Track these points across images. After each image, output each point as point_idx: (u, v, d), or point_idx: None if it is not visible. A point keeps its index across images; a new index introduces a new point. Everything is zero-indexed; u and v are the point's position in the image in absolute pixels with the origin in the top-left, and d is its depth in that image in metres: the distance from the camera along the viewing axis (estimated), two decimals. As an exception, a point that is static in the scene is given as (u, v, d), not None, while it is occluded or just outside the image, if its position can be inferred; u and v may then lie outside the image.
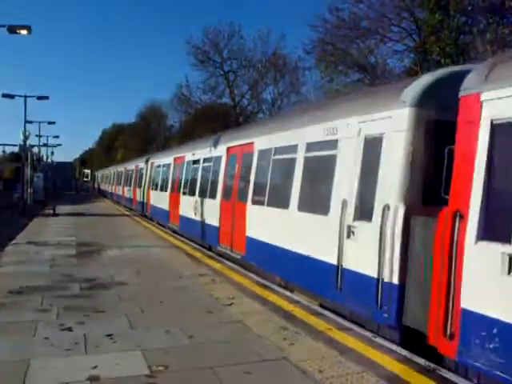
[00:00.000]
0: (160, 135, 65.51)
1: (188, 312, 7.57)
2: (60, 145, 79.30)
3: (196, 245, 15.41)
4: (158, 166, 25.15)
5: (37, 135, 52.28)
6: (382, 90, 8.14)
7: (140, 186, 29.63)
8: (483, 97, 5.26)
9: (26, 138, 34.44)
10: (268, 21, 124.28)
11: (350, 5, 26.82)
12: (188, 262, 12.18)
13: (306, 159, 9.12)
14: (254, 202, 11.40)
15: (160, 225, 22.59)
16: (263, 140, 11.46)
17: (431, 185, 6.26)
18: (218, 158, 14.62)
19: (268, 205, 10.60)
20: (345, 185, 7.58)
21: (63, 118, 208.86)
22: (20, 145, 35.82)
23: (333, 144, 8.15)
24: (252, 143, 12.10)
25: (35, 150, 52.69)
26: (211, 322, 7.04)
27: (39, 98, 36.09)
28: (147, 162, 28.50)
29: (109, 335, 6.33)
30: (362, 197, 7.22)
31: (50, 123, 49.82)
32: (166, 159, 23.60)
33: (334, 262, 7.56)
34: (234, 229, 12.56)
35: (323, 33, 28.64)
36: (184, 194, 18.53)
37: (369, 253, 6.75)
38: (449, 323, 5.35)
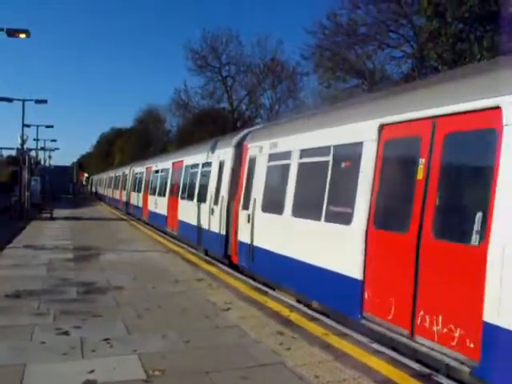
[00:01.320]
0: (158, 140, 65.51)
1: (185, 317, 7.58)
2: (58, 149, 78.76)
3: (192, 249, 15.44)
4: (137, 173, 31.40)
5: (34, 139, 52.24)
6: (227, 138, 15.03)
7: (125, 189, 35.84)
8: (248, 146, 12.08)
9: (23, 141, 34.34)
10: (266, 26, 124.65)
11: (348, 11, 27.01)
12: (185, 267, 12.19)
13: (201, 172, 16.23)
14: (181, 198, 18.53)
15: (140, 220, 27.66)
16: (186, 159, 18.86)
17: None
18: (168, 169, 21.79)
19: (186, 199, 17.69)
20: (212, 186, 14.47)
21: (61, 121, 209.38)
22: (17, 148, 35.65)
23: (210, 164, 15.18)
24: (182, 160, 19.33)
25: (33, 153, 52.58)
26: (208, 327, 7.05)
27: (37, 101, 35.95)
28: (130, 169, 34.57)
29: (105, 339, 6.33)
30: (216, 192, 14.00)
31: (47, 127, 49.75)
32: (141, 168, 29.94)
33: (207, 227, 14.65)
34: (173, 215, 19.48)
35: (321, 39, 28.83)
36: (150, 194, 25.30)
37: (217, 221, 13.66)
38: (236, 248, 12.12)
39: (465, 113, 5.63)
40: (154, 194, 24.27)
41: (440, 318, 5.58)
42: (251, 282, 10.43)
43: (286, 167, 9.70)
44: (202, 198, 15.45)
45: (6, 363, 5.55)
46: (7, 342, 6.25)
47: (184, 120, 53.95)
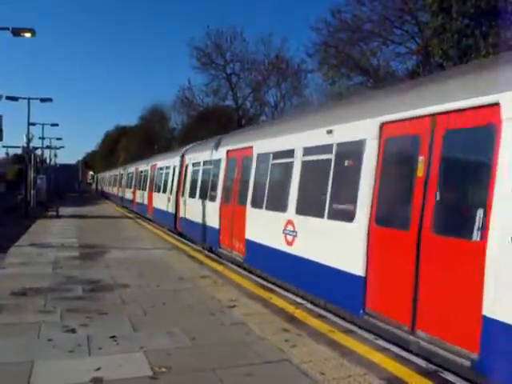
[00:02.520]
0: (162, 138, 65.53)
1: (190, 314, 7.61)
2: (63, 147, 78.87)
3: (197, 247, 15.47)
4: (129, 173, 38.77)
5: (40, 137, 52.39)
6: (179, 150, 22.25)
7: (121, 186, 43.58)
8: (185, 155, 19.64)
9: (29, 140, 34.50)
10: (270, 23, 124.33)
11: (353, 7, 26.88)
12: (190, 264, 12.22)
13: (165, 172, 23.11)
14: (154, 191, 25.71)
15: (131, 211, 34.95)
16: (158, 163, 25.95)
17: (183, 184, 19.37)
18: (147, 170, 29.14)
19: (157, 192, 24.75)
20: (170, 182, 21.59)
21: (67, 120, 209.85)
22: (23, 147, 35.84)
23: (170, 167, 22.00)
24: (156, 164, 26.51)
25: (38, 152, 52.76)
26: (213, 324, 7.07)
27: (43, 100, 36.06)
28: (124, 170, 42.64)
29: (112, 337, 6.37)
30: (171, 186, 21.19)
31: (53, 125, 49.92)
32: (132, 169, 37.49)
33: (166, 209, 21.71)
34: (151, 204, 26.71)
35: (326, 35, 28.71)
36: (137, 189, 32.60)
37: (171, 205, 20.72)
38: (179, 221, 19.59)
39: (247, 147, 12.40)
40: (139, 189, 31.86)
41: (236, 240, 12.33)
42: (256, 279, 10.46)
43: (198, 170, 17.19)
44: (164, 191, 22.87)
45: (14, 360, 5.60)
46: (15, 340, 6.29)
47: (188, 118, 53.92)
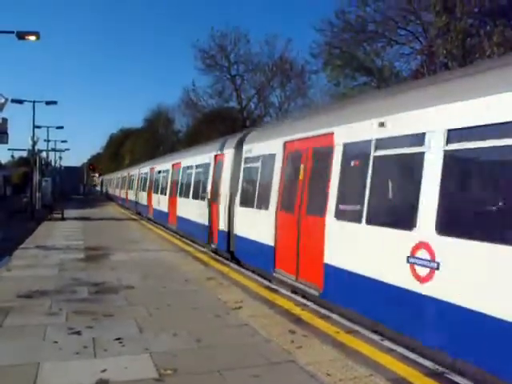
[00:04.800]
0: (167, 140, 65.61)
1: (196, 315, 7.60)
2: (68, 149, 79.43)
3: (203, 248, 15.47)
4: (118, 178, 53.39)
5: (45, 140, 52.55)
6: (136, 166, 41.94)
7: (121, 188, 51.71)
8: (139, 169, 37.43)
9: (34, 142, 34.64)
10: (274, 25, 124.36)
11: (357, 8, 26.88)
12: (195, 266, 12.21)
13: (133, 178, 39.07)
14: (127, 189, 42.60)
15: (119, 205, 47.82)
16: (130, 171, 43.45)
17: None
18: (125, 176, 45.19)
19: (129, 190, 40.88)
20: (135, 183, 37.47)
21: (72, 122, 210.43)
22: (28, 150, 36.04)
23: (134, 175, 39.90)
24: (129, 172, 43.60)
25: (43, 154, 52.95)
26: (219, 326, 7.06)
27: (47, 103, 36.22)
28: (116, 175, 56.84)
29: (117, 339, 6.36)
30: (132, 187, 39.62)
31: (58, 128, 50.01)
32: (118, 175, 53.53)
33: (132, 199, 38.76)
34: (127, 197, 42.50)
35: (330, 36, 28.73)
36: (121, 189, 47.35)
37: (134, 196, 37.38)
38: (138, 207, 34.82)
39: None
40: (122, 188, 46.79)
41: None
42: (262, 280, 10.45)
43: (163, 175, 24.79)
44: (131, 188, 38.38)
45: (20, 362, 5.61)
46: (21, 342, 6.30)
47: (193, 120, 53.98)
